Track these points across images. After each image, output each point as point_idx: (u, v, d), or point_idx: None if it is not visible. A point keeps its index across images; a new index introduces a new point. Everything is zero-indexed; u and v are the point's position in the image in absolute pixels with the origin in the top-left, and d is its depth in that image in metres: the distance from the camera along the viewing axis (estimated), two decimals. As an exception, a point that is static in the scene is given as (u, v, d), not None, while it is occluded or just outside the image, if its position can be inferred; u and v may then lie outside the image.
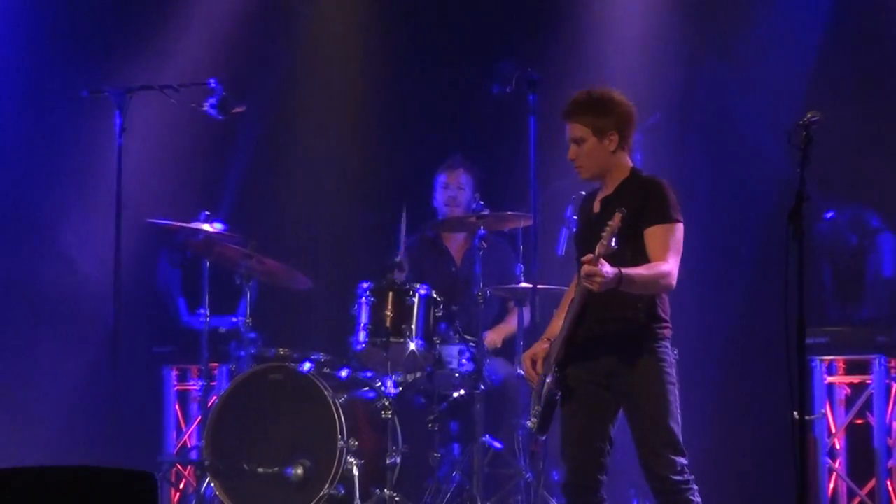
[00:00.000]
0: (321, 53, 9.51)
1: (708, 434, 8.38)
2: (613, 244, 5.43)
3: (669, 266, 5.63)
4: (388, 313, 7.80)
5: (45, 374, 9.08)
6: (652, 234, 5.67)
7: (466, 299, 8.22)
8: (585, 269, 5.47)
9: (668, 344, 5.77)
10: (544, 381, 5.81)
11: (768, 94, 8.44)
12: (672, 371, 5.74)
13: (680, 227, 5.73)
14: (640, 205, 5.65)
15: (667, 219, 5.70)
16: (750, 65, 8.64)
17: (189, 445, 8.84)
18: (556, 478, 7.48)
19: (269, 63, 9.39)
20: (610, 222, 5.46)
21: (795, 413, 5.24)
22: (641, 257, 5.65)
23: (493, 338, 8.36)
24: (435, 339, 7.85)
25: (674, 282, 5.66)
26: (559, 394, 5.75)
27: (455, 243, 8.70)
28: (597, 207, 5.86)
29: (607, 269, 5.44)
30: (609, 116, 5.77)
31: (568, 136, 5.83)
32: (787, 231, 5.26)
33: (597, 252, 5.45)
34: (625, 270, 5.50)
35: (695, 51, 8.75)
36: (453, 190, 8.58)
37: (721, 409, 8.56)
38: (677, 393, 5.75)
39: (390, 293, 7.84)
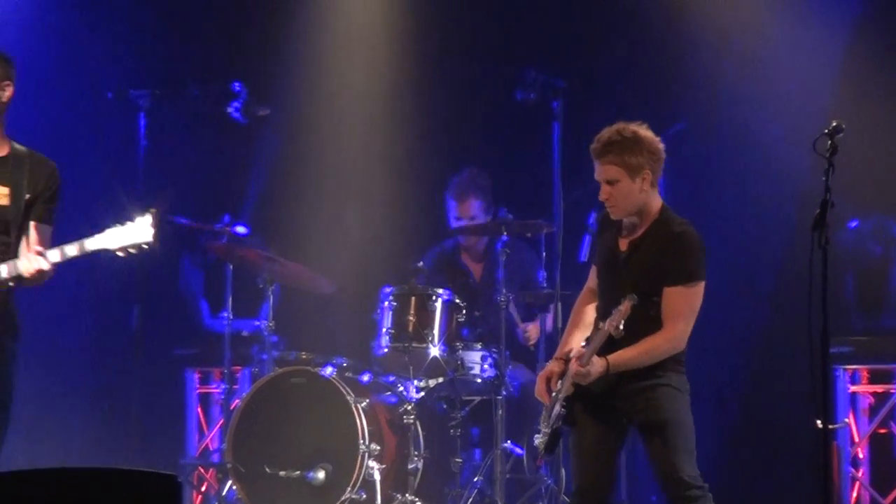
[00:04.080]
0: (345, 58, 9.50)
1: (731, 442, 8.37)
2: (621, 328, 5.51)
3: (672, 333, 5.65)
4: (411, 318, 7.80)
5: (67, 377, 9.08)
6: (669, 295, 5.65)
7: (488, 306, 8.19)
8: (575, 370, 5.59)
9: (683, 378, 5.77)
10: (557, 402, 5.80)
11: (793, 103, 8.42)
12: (686, 397, 5.75)
13: (700, 287, 5.71)
14: (667, 259, 5.66)
15: (688, 279, 5.67)
16: (774, 73, 8.62)
17: (211, 448, 8.86)
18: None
19: (293, 67, 9.39)
20: (620, 308, 5.51)
21: (819, 422, 5.23)
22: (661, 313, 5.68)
23: (535, 330, 8.30)
24: (457, 344, 7.85)
25: (679, 345, 5.69)
26: (565, 428, 5.77)
27: (473, 256, 8.65)
28: (623, 246, 5.80)
29: (595, 368, 5.57)
30: (641, 155, 5.71)
31: (599, 176, 5.76)
32: (811, 240, 5.25)
33: (613, 330, 5.52)
34: (612, 361, 5.59)
35: (719, 59, 8.73)
36: (465, 221, 8.53)
37: (744, 418, 8.55)
38: (691, 415, 5.74)
39: (413, 298, 7.84)
